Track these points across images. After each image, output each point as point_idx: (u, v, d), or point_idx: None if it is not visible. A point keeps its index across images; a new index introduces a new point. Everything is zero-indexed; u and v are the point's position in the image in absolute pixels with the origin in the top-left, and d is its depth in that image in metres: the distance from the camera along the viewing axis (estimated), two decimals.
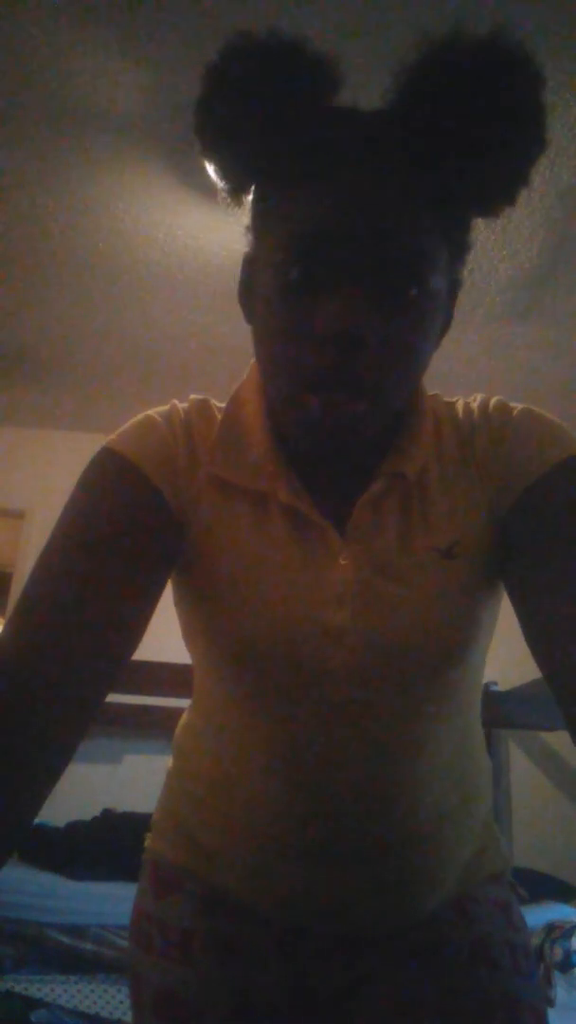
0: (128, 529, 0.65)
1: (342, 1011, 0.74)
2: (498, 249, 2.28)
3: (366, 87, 0.60)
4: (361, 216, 0.57)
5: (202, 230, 2.32)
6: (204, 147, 0.62)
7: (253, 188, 0.65)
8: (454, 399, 0.76)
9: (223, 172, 0.63)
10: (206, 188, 2.13)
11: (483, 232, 2.21)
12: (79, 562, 0.63)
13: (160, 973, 0.74)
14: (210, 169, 0.66)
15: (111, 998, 1.89)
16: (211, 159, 0.63)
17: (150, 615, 0.67)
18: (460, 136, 0.57)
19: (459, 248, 0.65)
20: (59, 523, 0.66)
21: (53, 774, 0.58)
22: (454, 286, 0.67)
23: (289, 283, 0.59)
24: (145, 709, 2.60)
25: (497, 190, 0.62)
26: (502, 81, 0.57)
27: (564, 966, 1.98)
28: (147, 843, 0.84)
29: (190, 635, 0.77)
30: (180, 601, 0.76)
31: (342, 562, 0.68)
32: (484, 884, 0.79)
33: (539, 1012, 0.72)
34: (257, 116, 0.59)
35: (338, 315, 0.57)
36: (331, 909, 0.74)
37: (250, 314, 0.68)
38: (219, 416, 0.73)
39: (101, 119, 1.94)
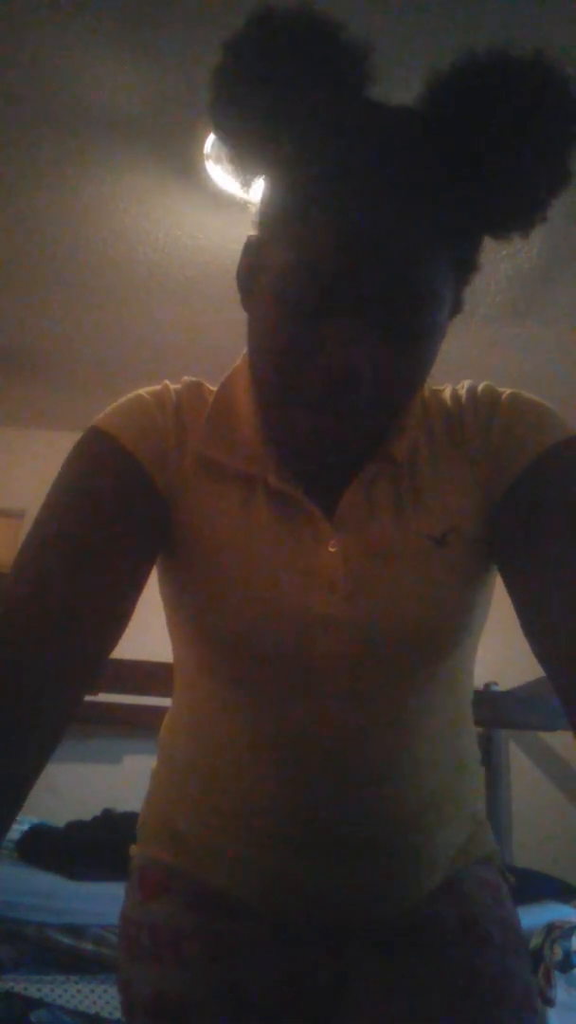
0: (114, 507, 0.65)
1: (336, 999, 0.74)
2: (498, 249, 2.28)
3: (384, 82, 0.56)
4: (374, 254, 0.55)
5: (202, 230, 2.32)
6: (217, 123, 0.59)
7: (265, 177, 0.62)
8: (442, 387, 0.75)
9: (234, 151, 0.60)
10: (206, 188, 2.13)
11: None
12: (68, 540, 0.63)
13: (151, 977, 0.73)
14: (214, 172, 0.65)
15: (111, 998, 1.88)
16: (223, 135, 0.60)
17: (137, 595, 0.66)
18: (489, 154, 0.55)
19: (466, 272, 0.63)
20: (46, 501, 0.66)
21: (43, 752, 0.57)
22: (456, 308, 0.65)
23: (294, 307, 0.58)
24: (145, 709, 2.60)
25: (515, 217, 0.60)
26: (542, 108, 0.54)
27: (564, 966, 1.98)
28: (132, 851, 0.83)
29: (175, 622, 0.76)
30: (165, 587, 0.75)
31: (331, 549, 0.67)
32: (473, 866, 0.79)
33: (529, 988, 0.72)
34: (278, 99, 0.56)
35: (341, 349, 0.56)
36: (321, 900, 0.73)
37: (248, 302, 0.67)
38: (210, 399, 0.73)
39: (101, 119, 1.93)
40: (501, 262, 2.33)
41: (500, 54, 0.54)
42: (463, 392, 0.74)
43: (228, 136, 0.60)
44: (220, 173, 2.02)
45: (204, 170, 2.06)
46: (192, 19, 1.65)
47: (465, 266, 0.62)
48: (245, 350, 0.74)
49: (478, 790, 0.83)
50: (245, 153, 0.60)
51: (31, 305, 2.76)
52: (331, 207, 0.56)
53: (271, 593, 0.67)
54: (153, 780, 0.85)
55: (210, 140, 1.96)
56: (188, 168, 2.07)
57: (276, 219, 0.61)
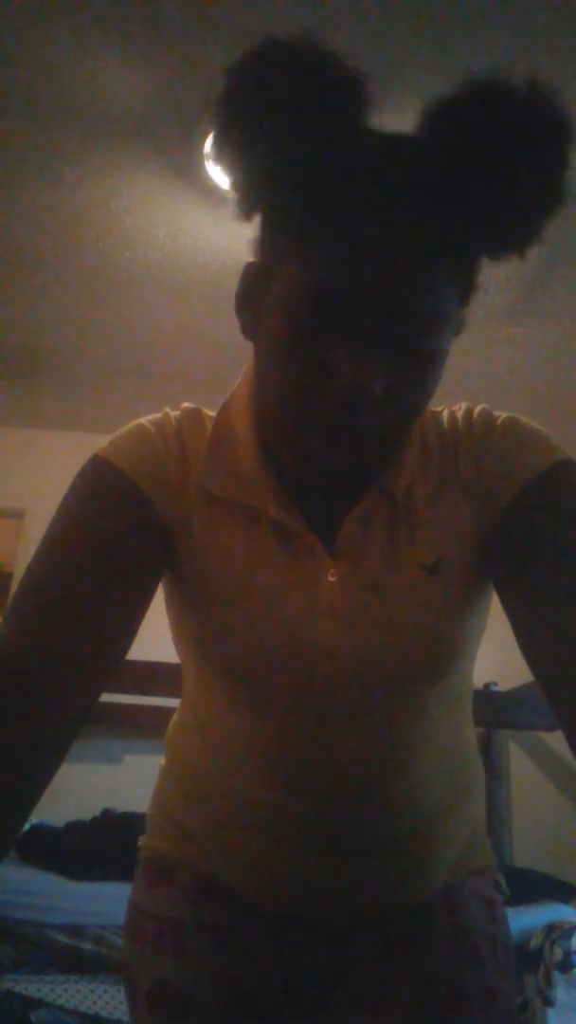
0: (117, 537, 0.65)
1: (330, 999, 0.75)
2: None
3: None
4: (381, 276, 0.56)
5: (202, 230, 2.32)
6: (218, 152, 0.59)
7: (266, 204, 0.62)
8: (439, 408, 0.76)
9: (235, 177, 0.61)
10: (206, 188, 2.13)
11: None
12: (71, 568, 0.63)
13: (153, 965, 0.75)
14: (214, 172, 0.65)
15: (111, 998, 1.89)
16: (224, 165, 0.60)
17: (140, 620, 0.67)
18: (486, 179, 0.55)
19: (467, 293, 0.64)
20: (49, 529, 0.66)
21: (45, 775, 0.58)
22: (458, 329, 0.66)
23: (302, 330, 0.58)
24: (145, 709, 2.60)
25: (512, 240, 0.61)
26: (538, 136, 0.55)
27: (564, 966, 1.98)
28: (140, 842, 0.85)
29: (180, 641, 0.78)
30: (170, 607, 0.76)
31: (330, 579, 0.68)
32: (469, 877, 0.80)
33: (511, 1008, 0.75)
34: (278, 129, 0.56)
35: (352, 370, 0.57)
36: (323, 900, 0.75)
37: (250, 329, 0.67)
38: (210, 426, 0.73)
39: (101, 119, 1.93)
40: (501, 263, 2.33)
41: (495, 82, 0.55)
42: (460, 416, 0.74)
43: (229, 165, 0.60)
44: (220, 173, 2.01)
45: (204, 170, 2.06)
46: (192, 19, 1.65)
47: (467, 287, 0.63)
48: (240, 377, 0.74)
49: (479, 796, 0.84)
50: (246, 181, 0.60)
51: (31, 305, 2.76)
52: (336, 233, 0.57)
53: (273, 623, 0.68)
54: (161, 777, 0.86)
55: (210, 140, 1.96)
56: (188, 168, 2.07)
57: (278, 247, 0.62)
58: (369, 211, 0.56)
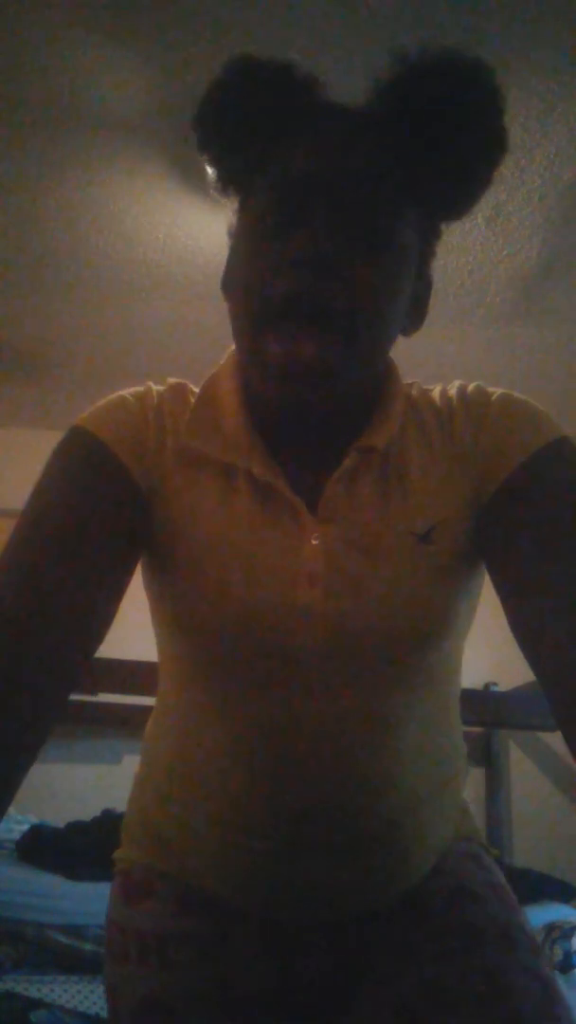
0: (95, 506, 0.66)
1: (332, 991, 0.73)
2: (498, 249, 2.28)
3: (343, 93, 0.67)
4: (335, 161, 0.62)
5: (202, 230, 2.32)
6: (201, 141, 0.69)
7: (240, 178, 0.69)
8: (431, 386, 0.76)
9: (216, 163, 0.69)
10: (206, 188, 2.13)
11: (483, 232, 2.21)
12: (50, 538, 0.63)
13: (138, 982, 0.72)
14: (207, 167, 0.70)
15: None
16: (207, 151, 0.69)
17: (121, 592, 0.67)
18: (426, 135, 0.63)
19: (426, 233, 0.68)
20: (29, 500, 0.67)
21: (27, 751, 0.57)
22: (425, 286, 0.70)
23: (268, 226, 0.63)
24: (145, 709, 2.60)
25: (457, 186, 0.66)
26: (461, 91, 0.62)
27: (564, 966, 1.98)
28: (116, 854, 0.82)
29: (157, 617, 0.76)
30: (148, 580, 0.75)
31: (313, 542, 0.67)
32: (455, 843, 0.80)
33: (529, 935, 0.72)
34: (251, 114, 0.65)
35: (309, 242, 0.59)
36: (309, 898, 0.73)
37: (229, 295, 0.70)
38: (193, 398, 0.74)
39: (101, 119, 1.93)
40: (501, 262, 2.33)
41: (427, 52, 0.62)
42: (453, 392, 0.74)
43: (211, 149, 0.69)
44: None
45: (204, 170, 2.05)
46: (192, 20, 1.65)
47: (429, 222, 0.68)
48: (230, 349, 0.74)
49: (463, 782, 0.84)
50: (226, 162, 0.69)
51: (31, 305, 2.76)
52: (293, 142, 0.64)
53: (253, 586, 0.67)
54: (136, 783, 0.85)
55: None
56: (188, 168, 2.07)
57: (247, 192, 0.69)
58: (322, 123, 0.65)
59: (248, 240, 0.66)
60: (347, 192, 0.61)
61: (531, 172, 1.98)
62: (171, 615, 0.73)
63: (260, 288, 0.62)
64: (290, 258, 0.60)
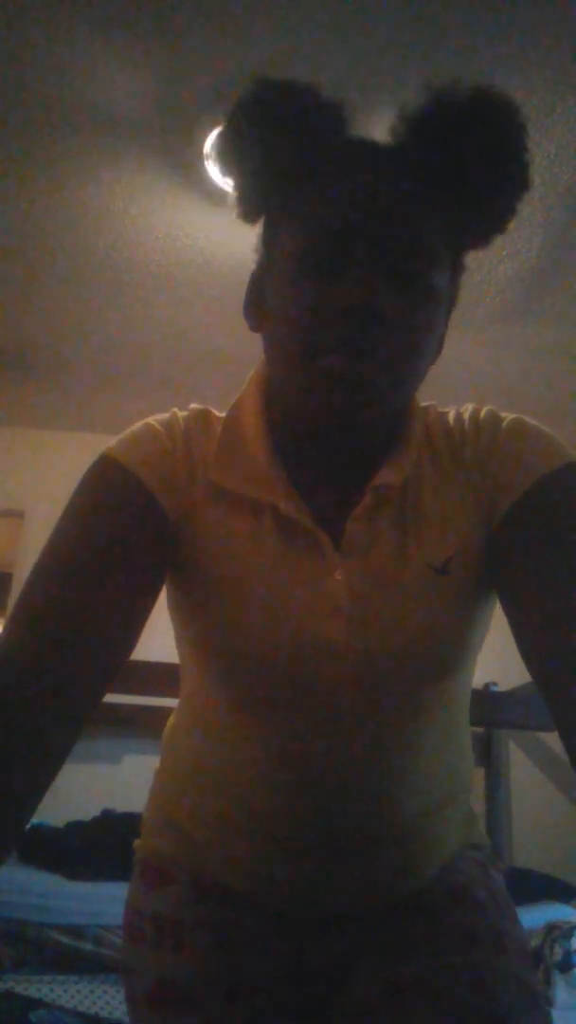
0: (124, 536, 0.66)
1: (337, 980, 0.75)
2: (498, 249, 2.28)
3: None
4: (379, 210, 0.62)
5: (202, 230, 2.32)
6: (224, 168, 0.67)
7: (267, 206, 0.69)
8: (446, 409, 0.77)
9: (242, 189, 0.68)
10: (206, 188, 2.13)
11: None
12: (76, 568, 0.64)
13: (154, 965, 0.75)
14: (214, 172, 0.70)
15: (111, 998, 1.88)
16: (231, 176, 0.68)
17: (144, 620, 0.68)
18: (461, 172, 0.63)
19: (458, 265, 0.69)
20: (57, 528, 0.67)
21: (48, 775, 0.59)
22: (451, 302, 0.70)
23: (309, 267, 0.63)
24: (145, 709, 2.60)
25: (487, 218, 0.67)
26: (489, 128, 0.63)
27: (564, 966, 1.98)
28: (136, 844, 0.85)
29: (182, 642, 0.78)
30: (174, 609, 0.76)
31: (337, 576, 0.68)
32: (464, 849, 0.81)
33: (523, 945, 0.74)
34: (277, 141, 0.64)
35: (358, 290, 0.60)
36: (322, 896, 0.75)
37: (255, 318, 0.70)
38: (218, 426, 0.74)
39: (101, 119, 1.93)
40: (501, 263, 2.33)
41: (456, 88, 0.63)
42: (466, 416, 0.75)
43: (237, 175, 0.67)
44: (220, 173, 2.01)
45: (204, 170, 2.06)
46: (192, 20, 1.65)
47: (457, 259, 0.68)
48: (249, 374, 0.74)
49: (470, 785, 0.86)
50: (251, 187, 0.68)
51: (31, 305, 2.76)
52: (334, 188, 0.63)
53: (280, 620, 0.68)
54: (156, 779, 0.86)
55: (210, 140, 1.96)
56: (188, 168, 2.07)
57: (279, 222, 0.67)
58: (361, 169, 0.64)
59: (284, 278, 0.65)
60: (390, 239, 0.62)
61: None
62: (197, 643, 0.75)
63: (306, 335, 0.62)
64: (338, 308, 0.60)
